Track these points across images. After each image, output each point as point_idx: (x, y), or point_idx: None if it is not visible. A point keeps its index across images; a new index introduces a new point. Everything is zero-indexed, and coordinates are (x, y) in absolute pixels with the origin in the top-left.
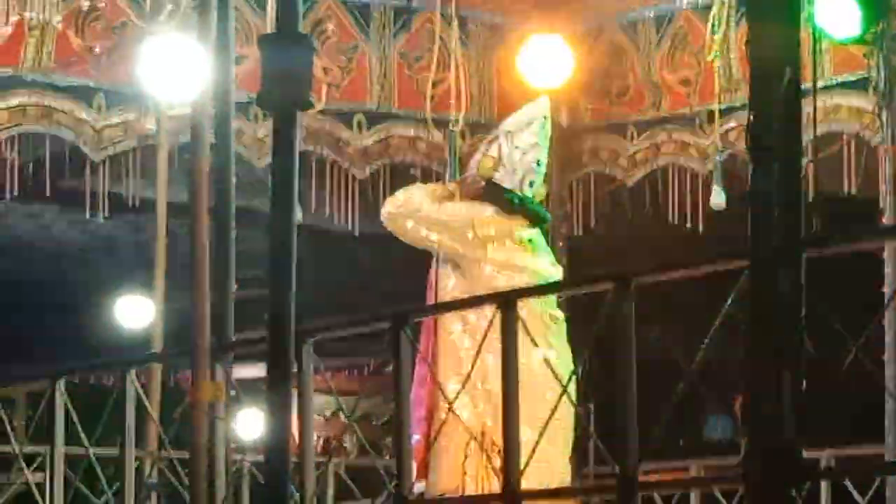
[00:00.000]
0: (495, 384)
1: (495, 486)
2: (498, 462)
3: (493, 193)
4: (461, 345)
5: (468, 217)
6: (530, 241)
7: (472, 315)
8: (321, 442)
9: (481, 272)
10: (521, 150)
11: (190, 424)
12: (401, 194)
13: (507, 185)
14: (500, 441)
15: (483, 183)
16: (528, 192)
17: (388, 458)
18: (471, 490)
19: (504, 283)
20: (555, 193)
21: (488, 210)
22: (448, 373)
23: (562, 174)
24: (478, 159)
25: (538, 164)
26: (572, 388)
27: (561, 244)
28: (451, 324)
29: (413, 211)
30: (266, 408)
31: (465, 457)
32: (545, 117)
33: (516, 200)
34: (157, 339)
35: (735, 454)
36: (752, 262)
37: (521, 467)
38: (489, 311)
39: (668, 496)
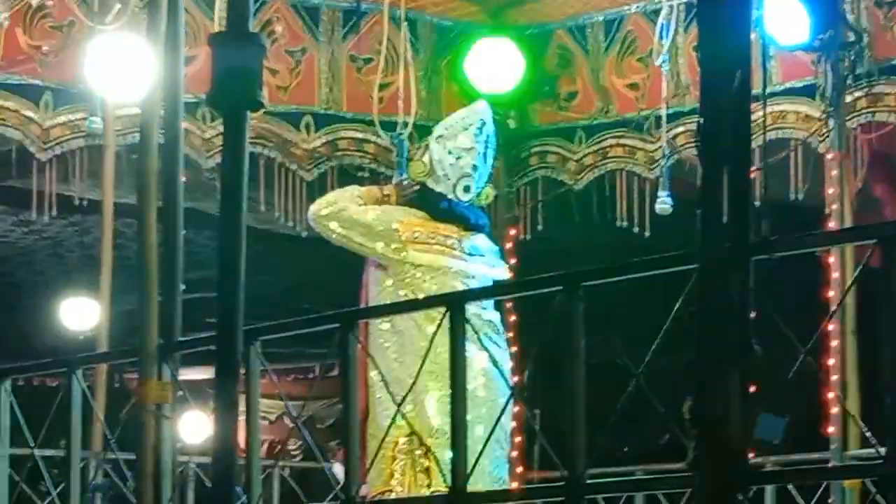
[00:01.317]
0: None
1: (423, 487)
2: (426, 464)
3: (425, 198)
4: (388, 347)
5: (393, 220)
6: (460, 242)
7: (398, 318)
8: (266, 445)
9: (406, 273)
10: (455, 155)
11: (136, 425)
12: (329, 196)
13: (439, 189)
14: (430, 443)
15: (416, 187)
16: (464, 197)
17: (332, 461)
18: (398, 491)
19: (431, 285)
20: (503, 197)
21: (417, 214)
22: (376, 377)
23: (509, 178)
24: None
25: (474, 169)
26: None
27: (509, 246)
28: (379, 325)
29: (338, 212)
30: (213, 409)
31: (394, 459)
32: (483, 121)
33: (444, 205)
34: (103, 341)
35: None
36: (701, 265)
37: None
38: (417, 315)
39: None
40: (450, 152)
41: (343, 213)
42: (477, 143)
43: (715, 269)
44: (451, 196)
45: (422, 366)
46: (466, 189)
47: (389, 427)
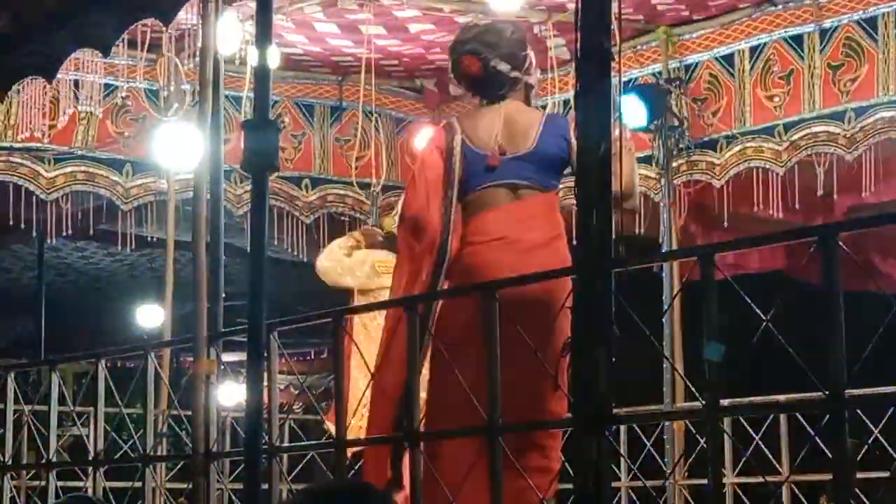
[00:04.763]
0: None
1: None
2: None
3: (391, 242)
4: (359, 340)
5: (368, 260)
6: None
7: (367, 318)
8: (279, 404)
9: (378, 295)
10: None
11: (191, 391)
12: (320, 265)
13: None
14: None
15: (380, 236)
16: None
17: (321, 417)
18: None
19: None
20: None
21: (383, 254)
22: (353, 361)
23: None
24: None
25: None
26: None
27: None
28: (356, 327)
29: (336, 264)
30: (245, 379)
31: (355, 414)
32: None
33: None
34: (167, 334)
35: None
36: (579, 275)
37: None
38: (381, 318)
39: None
40: None
41: (339, 262)
42: None
43: (588, 278)
44: None
45: (379, 354)
46: None
47: (366, 390)
